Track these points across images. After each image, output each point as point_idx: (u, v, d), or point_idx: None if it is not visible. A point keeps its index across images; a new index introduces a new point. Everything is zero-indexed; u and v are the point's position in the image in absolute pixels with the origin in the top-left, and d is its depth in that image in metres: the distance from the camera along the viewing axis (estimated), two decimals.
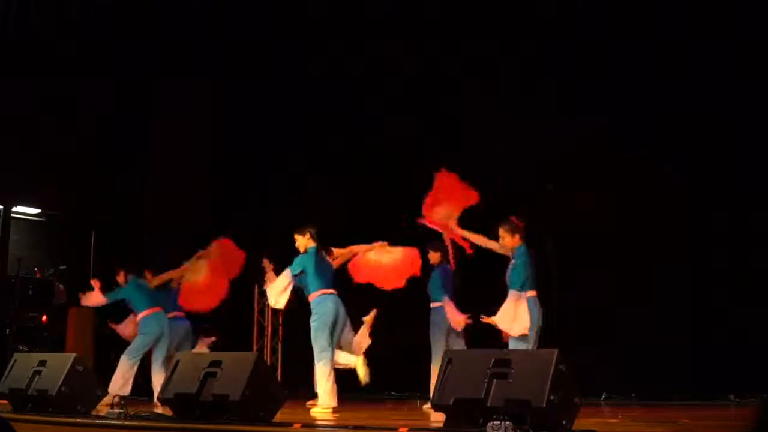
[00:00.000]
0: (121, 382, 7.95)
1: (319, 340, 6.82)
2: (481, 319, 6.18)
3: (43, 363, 5.84)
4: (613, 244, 8.30)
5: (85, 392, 5.74)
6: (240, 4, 9.84)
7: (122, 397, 7.25)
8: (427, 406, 6.67)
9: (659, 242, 8.20)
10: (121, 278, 8.39)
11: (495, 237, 6.30)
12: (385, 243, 7.48)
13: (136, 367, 8.13)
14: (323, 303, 6.89)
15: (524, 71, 8.74)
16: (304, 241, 7.16)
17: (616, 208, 8.37)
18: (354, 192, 9.84)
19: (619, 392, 8.04)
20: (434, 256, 7.52)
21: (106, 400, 7.25)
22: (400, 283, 7.31)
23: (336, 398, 6.75)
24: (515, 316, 6.00)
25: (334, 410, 6.67)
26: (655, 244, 8.21)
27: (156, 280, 8.40)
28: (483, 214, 8.38)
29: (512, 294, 6.05)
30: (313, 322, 6.86)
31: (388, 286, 7.35)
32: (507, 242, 6.22)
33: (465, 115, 9.09)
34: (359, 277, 7.38)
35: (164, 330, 8.19)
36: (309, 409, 6.80)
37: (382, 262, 7.46)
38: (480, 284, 7.16)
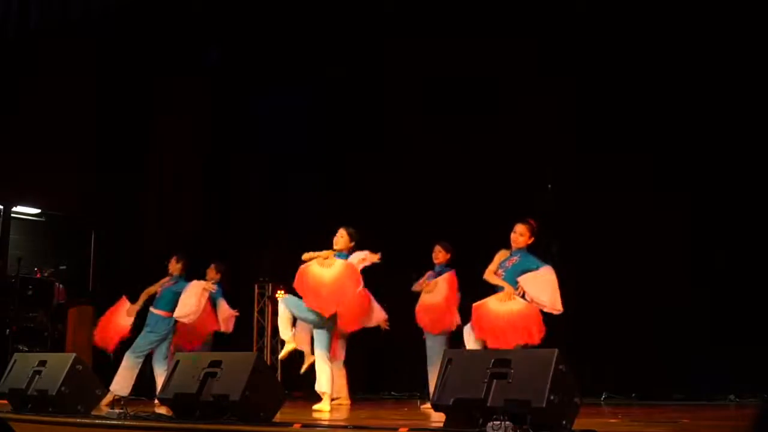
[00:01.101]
0: (122, 381, 7.86)
1: (323, 340, 6.80)
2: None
3: (43, 363, 5.84)
4: (612, 243, 8.30)
5: (85, 392, 5.73)
6: (241, 4, 9.85)
7: (123, 397, 7.28)
8: (425, 406, 6.66)
9: (659, 242, 8.20)
10: (178, 267, 8.17)
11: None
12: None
13: (140, 366, 8.05)
14: None
15: (524, 71, 8.74)
16: (346, 242, 6.95)
17: (617, 207, 8.37)
18: (355, 192, 9.85)
19: (619, 392, 8.04)
20: (444, 256, 7.46)
21: (108, 398, 7.29)
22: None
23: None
24: (551, 288, 6.08)
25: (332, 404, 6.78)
26: (655, 243, 8.22)
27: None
28: (486, 216, 8.45)
29: (548, 268, 6.16)
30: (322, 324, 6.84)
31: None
32: (523, 241, 6.35)
33: (467, 115, 9.09)
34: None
35: (171, 333, 8.17)
36: (313, 410, 6.77)
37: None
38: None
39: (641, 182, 8.30)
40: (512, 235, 6.38)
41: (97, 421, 5.26)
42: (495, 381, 4.07)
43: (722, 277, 7.76)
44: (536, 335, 6.06)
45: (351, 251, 7.01)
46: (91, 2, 9.44)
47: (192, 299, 7.89)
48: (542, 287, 6.14)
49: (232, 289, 8.40)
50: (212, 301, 8.30)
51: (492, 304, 6.27)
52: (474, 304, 6.43)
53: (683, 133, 8.11)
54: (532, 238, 6.36)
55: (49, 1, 9.51)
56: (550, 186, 8.88)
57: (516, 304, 6.16)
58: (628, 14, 8.28)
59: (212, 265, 8.49)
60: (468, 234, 8.13)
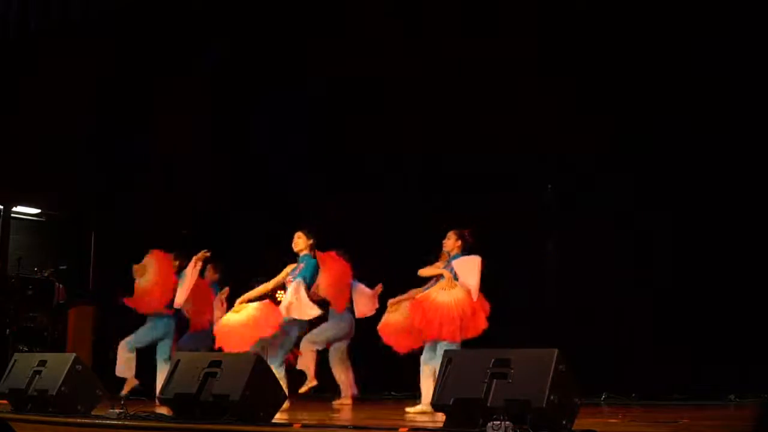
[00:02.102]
0: (126, 366, 8.05)
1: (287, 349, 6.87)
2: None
3: (43, 363, 5.84)
4: (612, 243, 8.31)
5: (85, 392, 5.73)
6: (241, 4, 9.85)
7: (122, 397, 7.32)
8: (412, 410, 6.65)
9: (659, 242, 8.20)
10: (174, 265, 8.28)
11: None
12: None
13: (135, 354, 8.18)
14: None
15: (523, 70, 8.73)
16: (305, 244, 7.07)
17: (615, 206, 8.37)
18: (356, 193, 9.84)
19: (619, 392, 8.03)
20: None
21: (129, 385, 7.94)
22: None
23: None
24: (476, 273, 6.35)
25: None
26: (655, 243, 8.22)
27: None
28: (487, 217, 8.46)
29: (477, 256, 6.48)
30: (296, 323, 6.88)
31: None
32: (450, 244, 6.65)
33: (465, 115, 9.08)
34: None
35: (171, 333, 8.24)
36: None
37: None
38: None
39: (642, 181, 8.29)
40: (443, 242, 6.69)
41: (97, 421, 5.26)
42: (495, 381, 4.07)
43: (722, 277, 7.76)
44: (482, 324, 6.34)
45: (311, 250, 7.14)
46: (91, 2, 9.44)
47: (185, 284, 8.02)
48: (470, 271, 6.39)
49: (232, 289, 8.39)
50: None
51: (437, 295, 6.42)
52: (416, 298, 6.53)
53: (681, 132, 8.10)
54: (459, 241, 6.61)
55: (49, 1, 9.51)
56: (550, 186, 8.89)
57: (460, 292, 6.37)
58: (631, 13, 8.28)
59: (209, 265, 8.53)
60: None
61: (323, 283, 7.47)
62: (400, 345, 7.21)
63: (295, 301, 6.73)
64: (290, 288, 6.86)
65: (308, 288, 6.89)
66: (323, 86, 10.09)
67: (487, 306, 6.48)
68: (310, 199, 10.04)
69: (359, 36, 9.39)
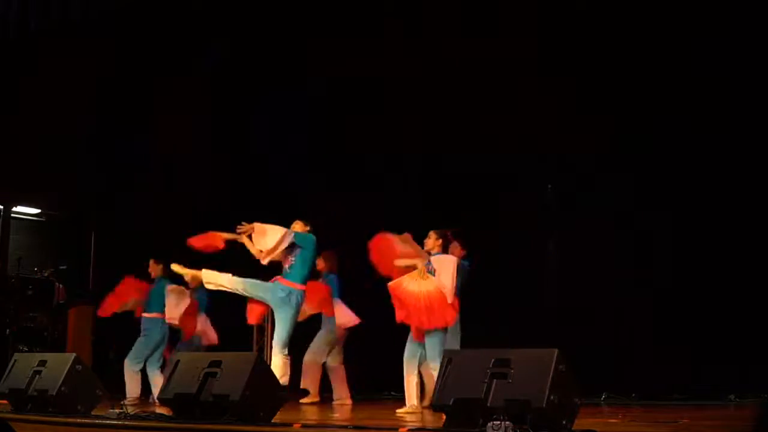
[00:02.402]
0: (133, 388, 8.18)
1: (290, 332, 6.83)
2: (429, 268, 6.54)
3: (43, 363, 5.84)
4: (612, 243, 8.30)
5: (85, 392, 5.74)
6: (241, 4, 9.85)
7: (122, 403, 7.35)
8: (401, 410, 6.65)
9: (659, 242, 8.20)
10: (158, 269, 8.36)
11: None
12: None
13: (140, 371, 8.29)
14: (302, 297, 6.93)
15: (523, 70, 8.73)
16: (302, 229, 7.12)
17: (615, 206, 8.37)
18: (355, 193, 9.84)
19: (619, 392, 8.03)
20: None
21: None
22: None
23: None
24: (451, 273, 6.44)
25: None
26: (654, 243, 8.22)
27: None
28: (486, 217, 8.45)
29: (454, 257, 6.62)
30: (293, 311, 6.85)
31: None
32: (431, 243, 6.72)
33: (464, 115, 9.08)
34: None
35: (165, 337, 8.31)
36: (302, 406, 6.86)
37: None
38: None
39: (642, 181, 8.29)
40: (424, 241, 6.77)
41: (97, 421, 5.26)
42: (495, 381, 4.07)
43: (722, 277, 7.75)
44: (450, 318, 6.48)
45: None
46: (91, 2, 9.45)
47: (175, 301, 8.16)
48: (445, 271, 6.47)
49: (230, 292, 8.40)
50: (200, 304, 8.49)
51: (408, 284, 6.55)
52: (389, 285, 6.65)
53: (681, 132, 8.10)
54: (440, 240, 6.69)
55: (49, 1, 9.52)
56: (550, 186, 8.88)
57: (431, 285, 6.49)
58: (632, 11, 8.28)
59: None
60: (469, 234, 8.13)
61: (308, 307, 7.53)
62: (382, 262, 7.16)
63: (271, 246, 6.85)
64: (278, 231, 6.89)
65: (294, 247, 6.89)
66: (323, 86, 10.08)
67: (456, 304, 6.58)
68: (310, 199, 10.02)
69: (359, 36, 9.39)
